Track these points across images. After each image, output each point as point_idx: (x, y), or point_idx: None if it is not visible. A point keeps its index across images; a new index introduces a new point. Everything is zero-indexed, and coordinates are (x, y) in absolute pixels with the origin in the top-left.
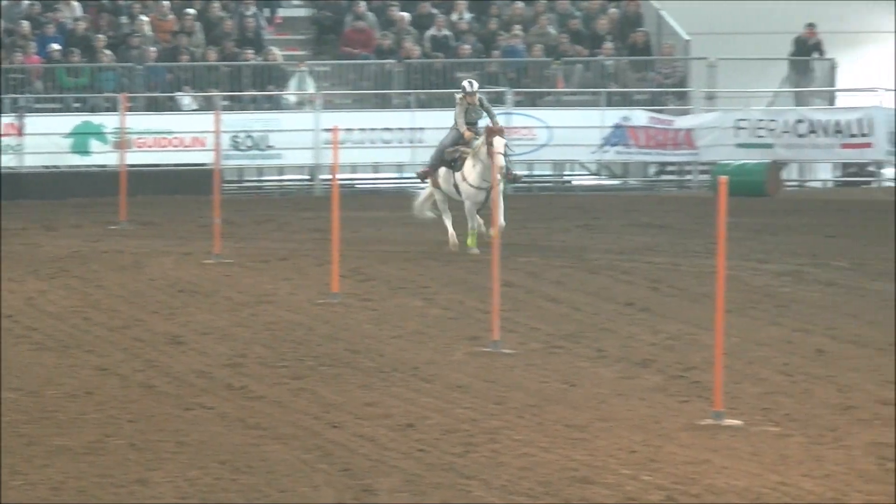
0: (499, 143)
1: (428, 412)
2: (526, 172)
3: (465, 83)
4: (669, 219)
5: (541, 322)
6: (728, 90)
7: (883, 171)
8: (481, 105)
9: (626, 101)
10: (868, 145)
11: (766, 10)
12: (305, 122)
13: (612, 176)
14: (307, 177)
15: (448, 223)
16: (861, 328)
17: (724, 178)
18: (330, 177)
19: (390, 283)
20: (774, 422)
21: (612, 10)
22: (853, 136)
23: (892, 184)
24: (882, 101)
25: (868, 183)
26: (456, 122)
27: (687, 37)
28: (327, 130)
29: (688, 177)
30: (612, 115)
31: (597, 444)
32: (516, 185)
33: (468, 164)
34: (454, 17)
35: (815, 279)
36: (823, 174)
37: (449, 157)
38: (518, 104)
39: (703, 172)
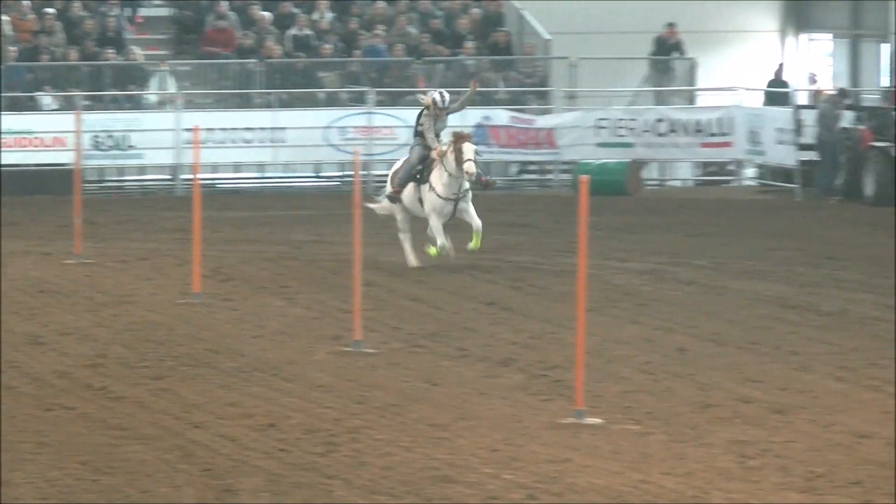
0: (468, 149)
1: (289, 412)
2: (499, 179)
3: (436, 95)
4: (531, 218)
5: (402, 321)
6: (589, 89)
7: (742, 169)
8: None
9: (487, 100)
10: (728, 144)
11: (627, 10)
12: (166, 121)
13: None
14: (168, 177)
15: (407, 244)
16: (721, 326)
17: (585, 178)
18: (191, 176)
19: (252, 282)
20: (635, 420)
21: (474, 10)
22: (713, 135)
23: (751, 183)
24: (742, 100)
25: (728, 182)
26: (423, 136)
27: (548, 36)
28: (188, 130)
29: (549, 176)
30: (474, 115)
31: (458, 443)
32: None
33: (435, 174)
34: (315, 16)
35: (675, 278)
36: (683, 173)
37: (416, 172)
38: (379, 103)
39: (564, 172)
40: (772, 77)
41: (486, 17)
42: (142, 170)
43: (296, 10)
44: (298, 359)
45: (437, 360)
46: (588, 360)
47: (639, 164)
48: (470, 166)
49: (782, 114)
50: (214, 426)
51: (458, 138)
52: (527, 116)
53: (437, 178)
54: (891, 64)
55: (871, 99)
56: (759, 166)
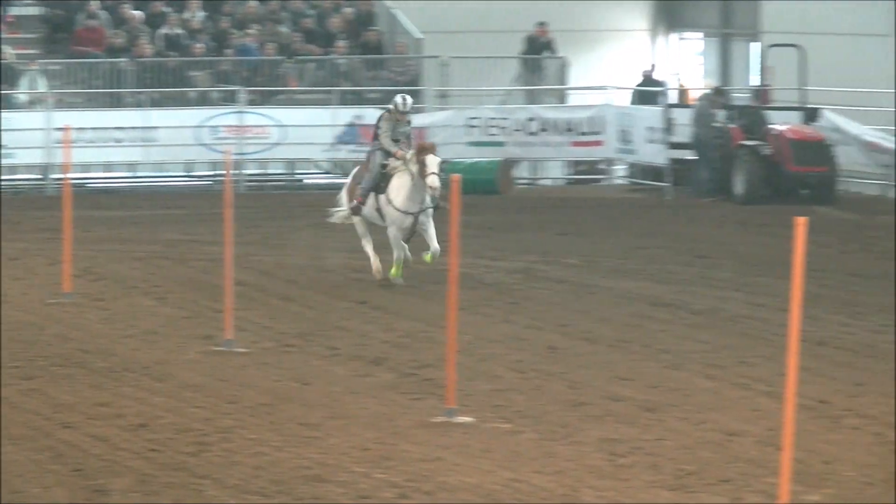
0: (432, 161)
1: (161, 412)
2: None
3: (398, 99)
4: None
5: (274, 321)
6: (460, 88)
7: (613, 168)
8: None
9: (359, 99)
10: (599, 143)
11: (498, 9)
12: (37, 121)
13: (345, 174)
14: (39, 176)
15: (369, 249)
16: (592, 325)
17: (456, 177)
18: (62, 176)
19: (123, 282)
20: (506, 418)
21: (346, 10)
22: (584, 134)
23: (622, 182)
24: (613, 99)
25: (598, 181)
26: (380, 141)
27: (420, 35)
28: (59, 129)
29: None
30: (345, 114)
31: (330, 443)
32: (262, 185)
33: (394, 184)
34: (187, 15)
35: (546, 276)
36: (555, 172)
37: (378, 181)
38: (251, 103)
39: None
40: (642, 76)
41: (358, 17)
42: (12, 169)
43: (167, 10)
44: (170, 358)
45: (308, 359)
46: (459, 358)
47: (510, 163)
48: (433, 181)
49: (653, 113)
50: (85, 426)
51: (422, 150)
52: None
53: (397, 189)
54: (760, 63)
55: (741, 98)
56: (630, 165)
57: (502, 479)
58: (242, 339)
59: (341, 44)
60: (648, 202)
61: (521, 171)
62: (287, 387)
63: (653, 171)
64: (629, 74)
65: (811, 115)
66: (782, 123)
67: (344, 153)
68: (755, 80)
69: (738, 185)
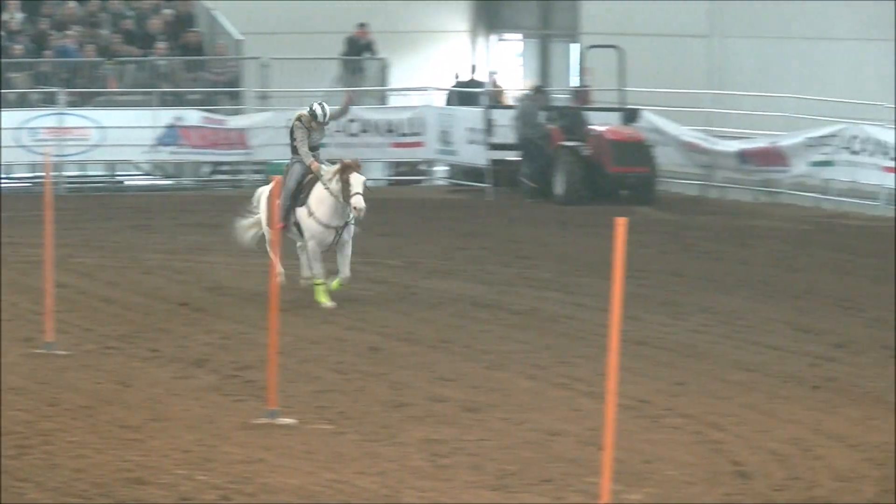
0: (357, 181)
1: None
2: (192, 179)
3: (316, 107)
4: (222, 218)
5: (95, 323)
6: (281, 90)
7: (434, 169)
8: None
9: (179, 101)
10: (419, 144)
11: (319, 10)
12: None
13: (166, 176)
14: None
15: (276, 260)
16: (413, 326)
17: (277, 178)
18: None
19: None
20: (328, 420)
21: (165, 11)
22: (404, 135)
23: (443, 182)
24: (433, 100)
25: (419, 182)
26: (297, 151)
27: (240, 37)
28: None
29: (241, 176)
30: (165, 116)
31: (151, 445)
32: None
33: (315, 196)
34: (6, 16)
35: (367, 277)
36: (375, 173)
37: (295, 196)
38: (70, 104)
39: (256, 172)
40: (463, 77)
41: (178, 18)
42: None
43: None
44: None
45: (129, 361)
46: (281, 360)
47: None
48: (358, 201)
49: (473, 114)
50: None
51: (346, 168)
52: (218, 117)
53: (319, 201)
54: (580, 64)
55: (561, 98)
56: (451, 166)
57: (324, 480)
58: (63, 342)
59: (161, 45)
60: (469, 203)
61: None
62: (108, 389)
63: (473, 172)
64: (450, 76)
65: (631, 116)
66: (602, 124)
67: (164, 154)
68: (575, 81)
69: (559, 186)
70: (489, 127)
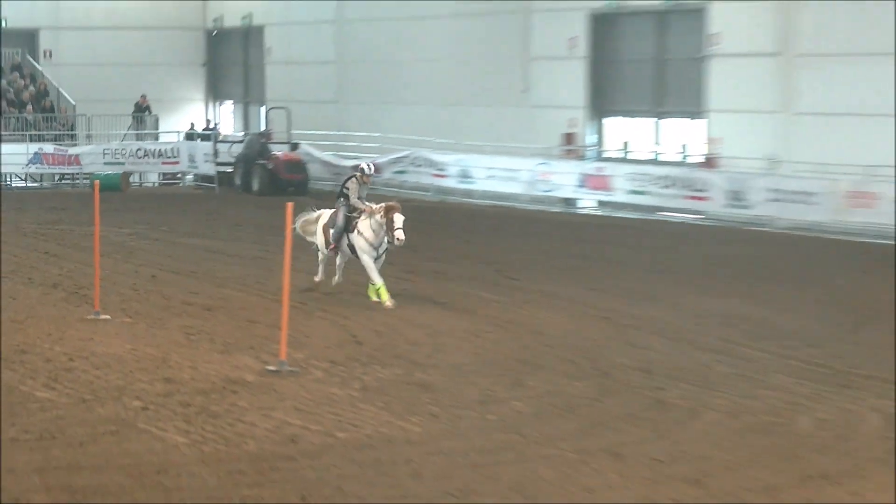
0: (398, 219)
1: None
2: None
3: (363, 166)
4: (67, 204)
5: None
6: (97, 132)
7: (186, 177)
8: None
9: (40, 139)
10: (176, 163)
11: (120, 84)
12: None
13: (34, 181)
14: None
15: (321, 269)
16: (176, 263)
17: (97, 182)
18: None
19: None
20: (129, 316)
21: (31, 88)
22: (169, 157)
23: (191, 184)
24: (182, 138)
25: (177, 184)
26: (350, 199)
27: (73, 102)
28: None
29: (77, 181)
30: (34, 147)
31: (29, 331)
32: None
33: (362, 226)
34: None
35: (148, 237)
36: (153, 179)
37: (344, 227)
38: None
39: (85, 179)
40: (199, 126)
41: (38, 92)
42: None
43: None
44: None
45: (15, 286)
46: (101, 283)
47: (127, 175)
48: (400, 234)
49: (206, 145)
50: None
51: (390, 209)
52: (63, 148)
53: (366, 227)
54: (266, 117)
55: (256, 137)
56: (195, 175)
57: (126, 349)
58: None
59: (29, 107)
60: (205, 195)
61: (134, 179)
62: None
63: (207, 178)
64: (195, 125)
65: (294, 146)
66: (278, 151)
67: (33, 169)
68: (263, 127)
69: (255, 185)
70: (216, 152)
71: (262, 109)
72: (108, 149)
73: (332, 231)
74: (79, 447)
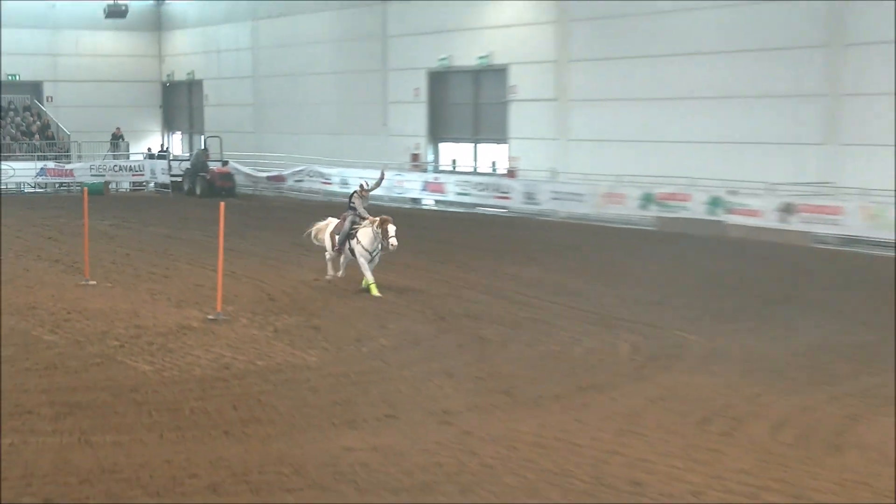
0: (391, 228)
1: None
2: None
3: (362, 183)
4: (64, 205)
5: (7, 245)
6: (87, 154)
7: (148, 184)
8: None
9: (45, 158)
10: (142, 174)
11: (106, 119)
12: None
13: (42, 188)
14: None
15: (330, 268)
16: (140, 244)
17: (86, 189)
18: None
19: None
20: (110, 282)
21: (37, 122)
22: (135, 172)
23: (152, 190)
24: (146, 158)
25: (142, 190)
26: (357, 211)
27: (69, 133)
28: None
29: (72, 188)
30: (40, 164)
31: (38, 293)
32: None
33: (362, 233)
34: None
35: (127, 227)
36: (126, 186)
37: (348, 234)
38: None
39: (78, 186)
40: (156, 149)
41: (42, 126)
42: None
43: None
44: None
45: (27, 262)
46: (91, 258)
47: (107, 183)
48: (394, 241)
49: (163, 163)
50: None
51: (384, 221)
52: (61, 165)
53: (364, 236)
54: (204, 142)
55: (199, 155)
56: (155, 183)
57: (108, 305)
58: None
59: (37, 136)
60: (163, 198)
61: (112, 186)
62: (16, 273)
63: (164, 186)
64: (153, 149)
65: (224, 163)
66: (214, 166)
67: (40, 179)
68: (203, 149)
69: (198, 190)
70: (170, 168)
71: (202, 137)
72: (93, 165)
73: (337, 237)
74: (74, 374)
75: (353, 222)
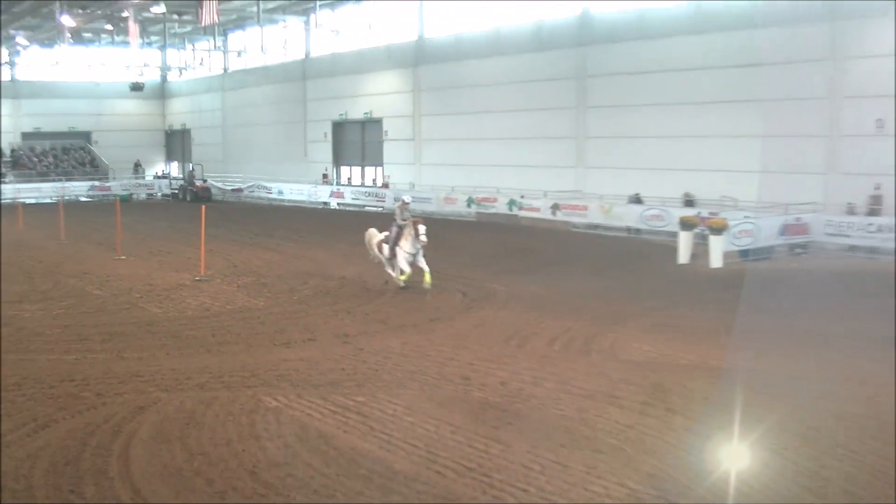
0: (422, 228)
1: None
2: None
3: (405, 198)
4: (104, 209)
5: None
6: (119, 179)
7: (158, 195)
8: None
9: (93, 180)
10: (153, 189)
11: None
12: None
13: (91, 199)
14: None
15: (391, 271)
16: (137, 239)
17: (118, 198)
18: None
19: None
20: (136, 256)
21: (84, 154)
22: (150, 187)
23: (165, 198)
24: (159, 177)
25: (154, 198)
26: (396, 221)
27: (107, 163)
28: None
29: (110, 198)
30: (90, 184)
31: (87, 264)
32: None
33: (402, 240)
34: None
35: (141, 221)
36: (143, 196)
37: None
38: (66, 181)
39: (113, 197)
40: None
41: (92, 158)
42: None
43: None
44: None
45: (87, 246)
46: (122, 244)
47: (131, 194)
48: (423, 237)
49: (166, 181)
50: None
51: (415, 223)
52: (105, 183)
53: (405, 243)
54: (192, 167)
55: (188, 175)
56: (162, 194)
57: (132, 272)
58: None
59: (87, 167)
60: (166, 203)
61: (134, 197)
62: (75, 252)
63: (167, 196)
64: (160, 172)
65: (204, 181)
66: (198, 182)
67: (91, 192)
68: (191, 171)
69: (188, 198)
70: (170, 184)
71: (190, 165)
72: (122, 183)
73: (386, 245)
74: (112, 314)
75: (398, 231)
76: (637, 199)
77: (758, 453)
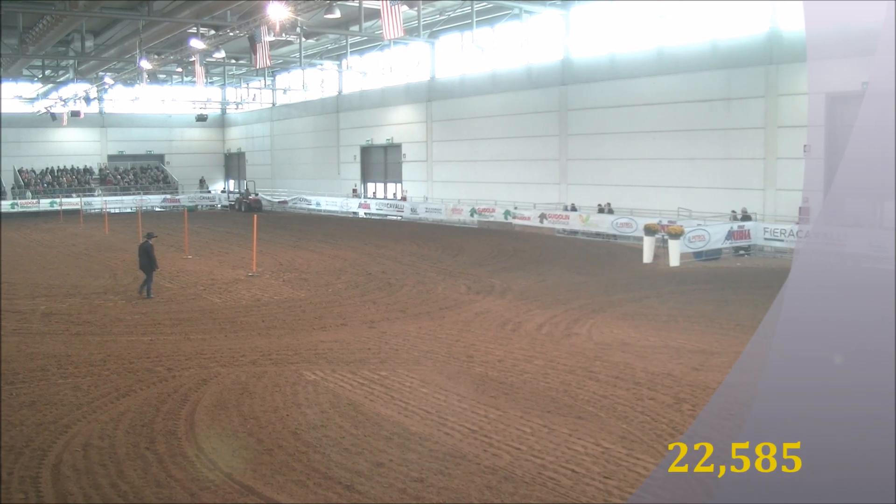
0: None
1: None
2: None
3: None
4: (175, 218)
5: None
6: (187, 192)
7: (219, 206)
8: None
9: (164, 194)
10: (215, 201)
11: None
12: None
13: (164, 209)
14: None
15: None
16: (214, 237)
17: (186, 209)
18: None
19: None
20: (198, 256)
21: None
22: (212, 199)
23: (221, 208)
24: (218, 192)
25: (215, 208)
26: None
27: (177, 180)
28: None
29: (179, 209)
30: (162, 197)
31: (163, 262)
32: None
33: None
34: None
35: (205, 228)
36: (207, 207)
37: None
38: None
39: (182, 207)
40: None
41: (165, 175)
42: None
43: None
44: None
45: (160, 247)
46: (192, 246)
47: (196, 205)
48: None
49: (225, 194)
50: None
51: None
52: (174, 196)
53: None
54: (246, 185)
55: (243, 192)
56: (222, 206)
57: (198, 268)
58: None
59: (158, 184)
60: (224, 213)
61: (200, 207)
62: (134, 246)
63: (226, 207)
64: (221, 188)
65: (256, 194)
66: (251, 196)
67: (163, 205)
68: (246, 187)
69: (243, 209)
70: (229, 196)
71: (245, 182)
72: (190, 197)
73: None
74: (181, 303)
75: None
76: (608, 209)
77: (704, 417)
